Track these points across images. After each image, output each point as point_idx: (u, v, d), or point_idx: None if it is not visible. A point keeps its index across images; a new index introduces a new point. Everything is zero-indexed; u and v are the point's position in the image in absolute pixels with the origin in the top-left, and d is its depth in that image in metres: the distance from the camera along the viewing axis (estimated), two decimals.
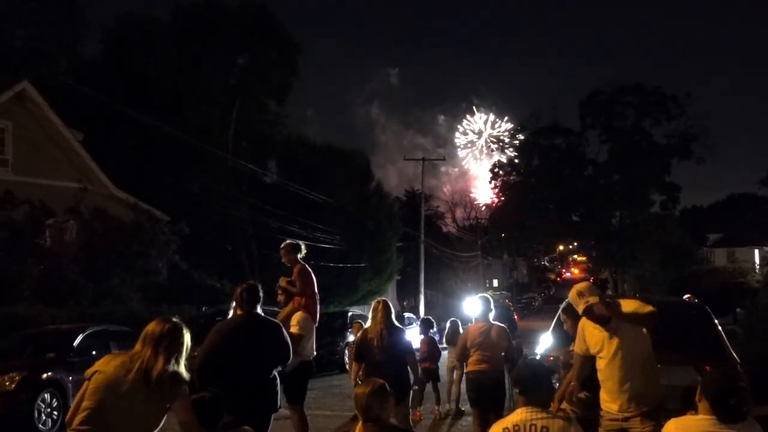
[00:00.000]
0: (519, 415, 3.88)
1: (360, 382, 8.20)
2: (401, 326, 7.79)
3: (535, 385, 4.00)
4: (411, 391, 7.79)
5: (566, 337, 6.87)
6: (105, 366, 3.75)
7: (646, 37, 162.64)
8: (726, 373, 4.02)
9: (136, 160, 27.75)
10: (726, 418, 3.54)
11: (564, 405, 5.81)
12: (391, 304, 7.70)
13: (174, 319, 3.98)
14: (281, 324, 6.34)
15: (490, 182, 61.13)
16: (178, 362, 3.82)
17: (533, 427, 3.82)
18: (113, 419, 3.66)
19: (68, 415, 3.80)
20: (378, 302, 7.60)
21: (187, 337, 3.92)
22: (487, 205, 73.32)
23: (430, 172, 52.79)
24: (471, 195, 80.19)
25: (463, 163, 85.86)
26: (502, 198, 59.01)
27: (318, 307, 8.28)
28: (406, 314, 32.47)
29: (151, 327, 3.87)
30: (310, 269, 8.30)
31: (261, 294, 5.94)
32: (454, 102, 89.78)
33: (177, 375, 3.79)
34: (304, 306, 8.06)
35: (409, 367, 7.48)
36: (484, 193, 75.97)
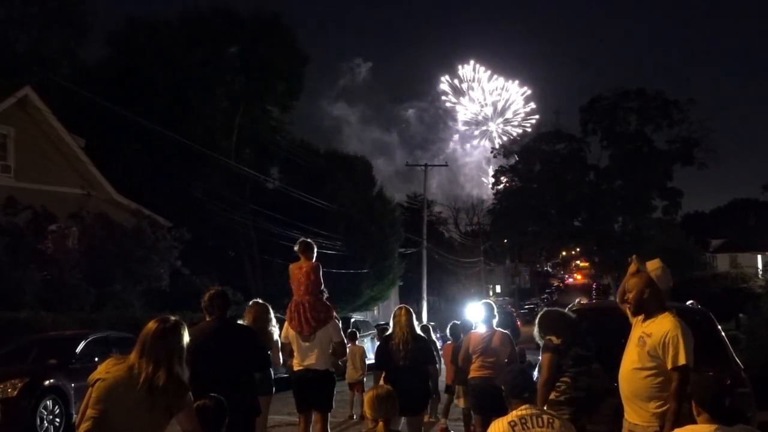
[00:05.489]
0: (523, 410, 3.96)
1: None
2: (425, 336, 7.72)
3: (530, 387, 4.18)
4: (430, 402, 7.77)
5: None
6: (107, 373, 3.73)
7: (647, 42, 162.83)
8: (714, 377, 4.03)
9: (138, 166, 27.78)
10: (726, 421, 3.54)
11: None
12: (412, 311, 7.63)
13: (172, 318, 3.95)
14: (254, 329, 6.42)
15: (493, 188, 61.13)
16: (180, 364, 3.81)
17: (540, 420, 3.88)
18: (118, 427, 3.65)
19: (77, 421, 3.81)
20: (400, 308, 7.58)
21: (185, 335, 3.90)
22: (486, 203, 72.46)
23: (416, 172, 52.20)
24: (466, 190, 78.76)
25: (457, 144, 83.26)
26: (503, 204, 58.98)
27: (289, 312, 7.64)
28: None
29: (150, 328, 3.84)
30: (292, 270, 7.78)
31: (230, 299, 6.04)
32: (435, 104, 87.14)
33: (180, 381, 3.78)
34: None
35: (429, 377, 7.47)
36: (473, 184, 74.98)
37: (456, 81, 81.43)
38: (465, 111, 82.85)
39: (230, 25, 33.77)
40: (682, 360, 4.65)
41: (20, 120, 21.65)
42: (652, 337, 4.81)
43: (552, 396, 5.92)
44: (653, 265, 5.14)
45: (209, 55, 32.84)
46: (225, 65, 34.30)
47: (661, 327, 4.81)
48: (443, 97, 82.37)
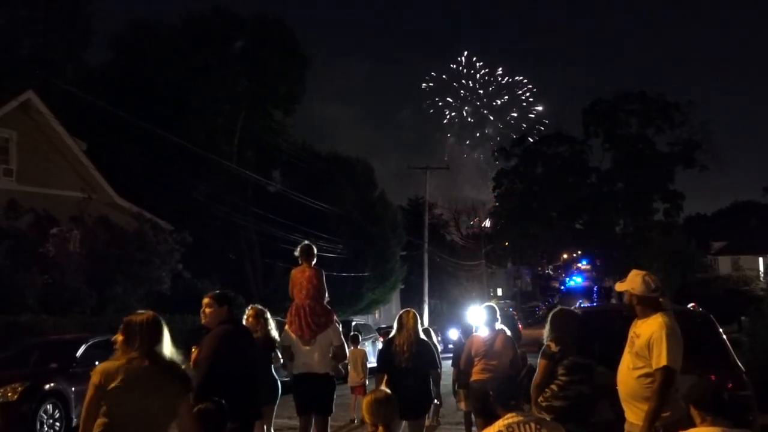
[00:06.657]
0: (510, 419, 4.02)
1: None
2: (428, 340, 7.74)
3: (516, 395, 4.24)
4: (432, 406, 7.76)
5: None
6: (110, 380, 3.71)
7: (648, 45, 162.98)
8: (704, 380, 4.05)
9: (140, 169, 27.79)
10: (730, 420, 3.54)
11: (534, 411, 5.92)
12: (418, 315, 7.65)
13: (149, 311, 4.09)
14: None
15: (494, 191, 61.16)
16: (177, 351, 3.93)
17: (528, 427, 3.91)
18: (130, 426, 3.69)
19: (80, 427, 3.82)
20: (407, 312, 7.58)
21: (166, 330, 4.01)
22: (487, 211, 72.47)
23: (414, 174, 52.10)
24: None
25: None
26: (503, 207, 59.01)
27: (290, 316, 7.70)
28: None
29: (138, 320, 3.92)
30: (294, 274, 7.82)
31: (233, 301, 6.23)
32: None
33: (180, 367, 3.86)
34: None
35: (431, 382, 7.46)
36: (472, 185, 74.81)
37: (456, 82, 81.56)
38: (464, 112, 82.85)
39: (231, 27, 33.78)
40: (663, 361, 4.69)
41: (22, 123, 21.68)
42: (641, 338, 4.90)
43: (539, 399, 6.03)
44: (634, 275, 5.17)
45: (211, 58, 32.87)
46: (226, 68, 34.33)
47: (649, 328, 4.86)
48: (440, 97, 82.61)
